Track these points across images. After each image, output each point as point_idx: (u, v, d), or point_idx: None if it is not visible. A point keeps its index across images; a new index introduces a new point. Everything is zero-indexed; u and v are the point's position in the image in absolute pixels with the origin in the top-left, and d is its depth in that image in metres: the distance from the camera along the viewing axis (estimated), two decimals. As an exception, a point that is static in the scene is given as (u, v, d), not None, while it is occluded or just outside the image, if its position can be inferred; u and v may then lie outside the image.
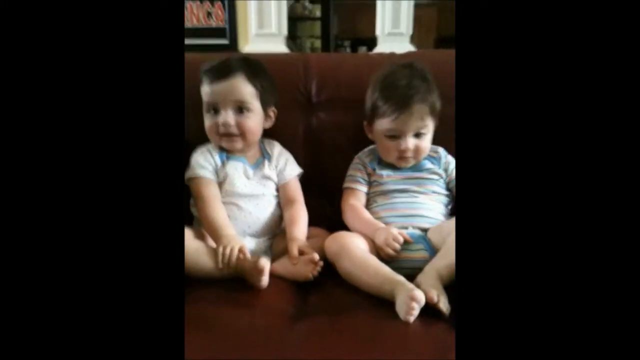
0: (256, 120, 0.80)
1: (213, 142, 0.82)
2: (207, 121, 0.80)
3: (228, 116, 0.77)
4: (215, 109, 0.78)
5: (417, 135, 0.77)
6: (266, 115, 0.83)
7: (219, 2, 2.09)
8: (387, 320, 0.55)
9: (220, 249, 0.65)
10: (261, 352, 0.49)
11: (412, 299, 0.53)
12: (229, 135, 0.78)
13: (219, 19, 2.11)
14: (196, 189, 0.77)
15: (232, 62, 0.79)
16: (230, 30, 2.10)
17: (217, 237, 0.70)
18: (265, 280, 0.63)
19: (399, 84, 0.76)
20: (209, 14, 2.11)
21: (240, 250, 0.66)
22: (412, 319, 0.54)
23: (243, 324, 0.55)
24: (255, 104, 0.79)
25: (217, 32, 2.10)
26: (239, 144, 0.80)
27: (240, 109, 0.78)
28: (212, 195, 0.77)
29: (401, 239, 0.69)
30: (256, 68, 0.80)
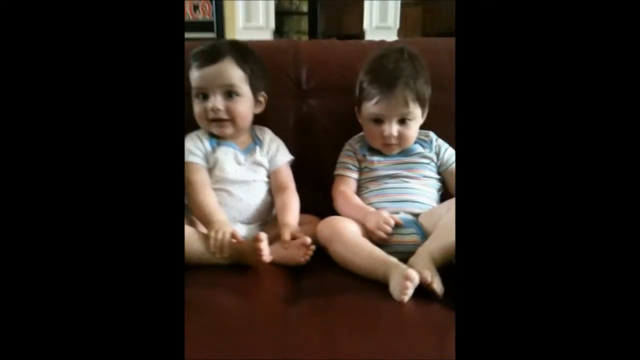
0: (246, 105, 0.79)
1: (203, 128, 0.80)
2: (196, 107, 0.78)
3: (217, 101, 0.76)
4: (204, 95, 0.77)
5: (402, 121, 0.77)
6: (256, 100, 0.82)
7: (206, -5, 2.07)
8: (382, 300, 0.54)
9: (212, 234, 0.64)
10: (261, 334, 0.48)
11: (406, 279, 0.53)
12: (218, 121, 0.77)
13: (205, 12, 2.09)
14: (186, 175, 0.76)
15: (220, 46, 0.78)
16: (217, 23, 2.07)
17: (207, 222, 0.69)
18: (267, 252, 0.62)
19: (386, 66, 0.76)
20: (195, 8, 2.08)
21: (233, 235, 0.65)
22: (406, 298, 0.54)
23: (239, 308, 0.54)
24: (244, 88, 0.78)
25: (204, 26, 2.08)
26: (229, 129, 0.79)
27: (230, 93, 0.77)
28: (202, 181, 0.76)
29: (392, 222, 0.69)
30: (245, 52, 0.79)
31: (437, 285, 0.57)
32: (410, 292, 0.54)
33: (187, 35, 2.11)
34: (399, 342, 0.47)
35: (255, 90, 0.80)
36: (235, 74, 0.76)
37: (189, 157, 0.77)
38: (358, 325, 0.49)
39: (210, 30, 2.08)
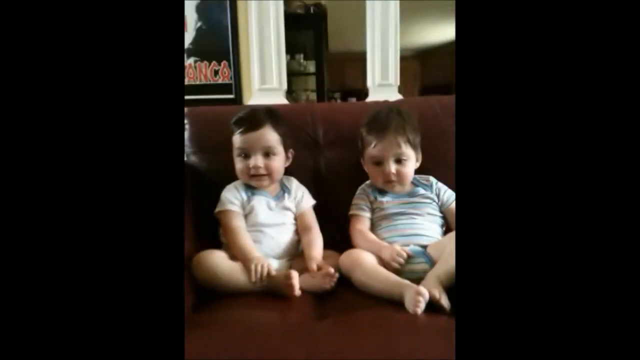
0: (280, 161, 0.95)
1: (243, 181, 0.95)
2: (239, 164, 0.93)
3: (258, 160, 0.91)
4: (246, 154, 0.92)
5: (398, 161, 0.92)
6: (287, 157, 0.98)
7: (225, 62, 2.32)
8: (398, 313, 0.66)
9: (253, 266, 0.77)
10: (293, 342, 0.59)
11: (418, 294, 0.65)
12: (258, 176, 0.92)
13: (224, 76, 2.33)
14: (225, 221, 0.90)
15: (259, 114, 0.94)
16: (235, 85, 2.31)
17: (247, 259, 0.81)
18: (297, 287, 0.73)
19: (380, 118, 0.94)
20: (215, 72, 2.32)
21: (268, 267, 0.78)
22: (419, 311, 0.65)
23: (275, 322, 0.65)
24: (279, 148, 0.94)
25: (223, 88, 2.31)
26: (266, 182, 0.94)
27: (268, 153, 0.92)
28: (239, 226, 0.89)
29: (405, 254, 0.81)
30: (279, 118, 0.96)
31: (445, 301, 0.68)
32: (422, 305, 0.65)
33: (209, 96, 2.34)
34: (412, 344, 0.57)
35: (286, 149, 0.97)
36: (273, 138, 0.93)
37: (228, 206, 0.91)
38: (378, 332, 0.60)
39: (230, 92, 2.31)
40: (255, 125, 0.92)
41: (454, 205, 0.95)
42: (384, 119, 0.93)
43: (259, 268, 0.77)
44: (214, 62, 2.30)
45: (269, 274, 0.77)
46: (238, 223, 0.90)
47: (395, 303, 0.69)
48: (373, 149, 0.92)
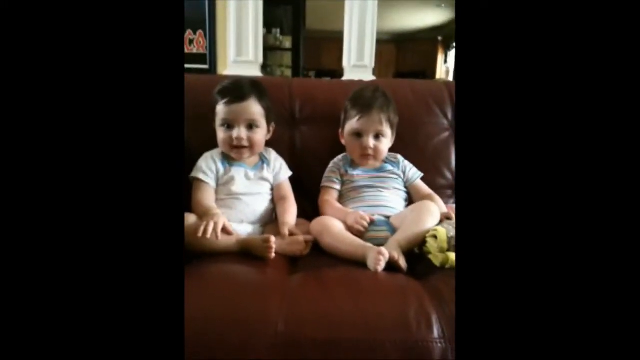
0: (262, 134, 0.99)
1: (225, 151, 0.98)
2: (221, 134, 0.96)
3: (241, 132, 0.94)
4: (229, 125, 0.95)
5: (377, 137, 0.99)
6: (268, 130, 1.01)
7: (201, 31, 2.28)
8: (361, 272, 0.74)
9: (204, 222, 0.78)
10: (269, 292, 0.65)
11: (379, 253, 0.73)
12: (240, 147, 0.96)
13: (199, 46, 2.30)
14: (194, 188, 0.93)
15: (245, 86, 0.96)
16: (210, 56, 2.29)
17: (205, 215, 0.84)
18: (273, 251, 0.78)
19: (365, 95, 1.00)
20: (190, 41, 2.29)
21: (224, 227, 0.81)
22: (380, 269, 0.73)
23: (250, 274, 0.72)
24: (262, 121, 0.98)
25: (198, 58, 2.28)
26: (246, 154, 0.98)
27: (251, 125, 0.96)
28: (207, 192, 0.93)
29: (368, 218, 0.89)
30: (263, 91, 0.99)
31: (402, 262, 0.76)
32: (382, 264, 0.73)
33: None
34: (374, 298, 0.65)
35: (268, 122, 1.00)
36: (257, 110, 0.96)
37: (200, 175, 0.94)
38: (344, 286, 0.68)
39: (204, 62, 2.29)
40: (240, 97, 0.94)
41: (417, 181, 1.04)
42: (370, 96, 0.99)
43: (211, 225, 0.78)
44: (189, 30, 2.26)
45: (246, 237, 0.82)
46: (206, 191, 0.93)
47: (360, 264, 0.77)
48: (356, 122, 0.98)
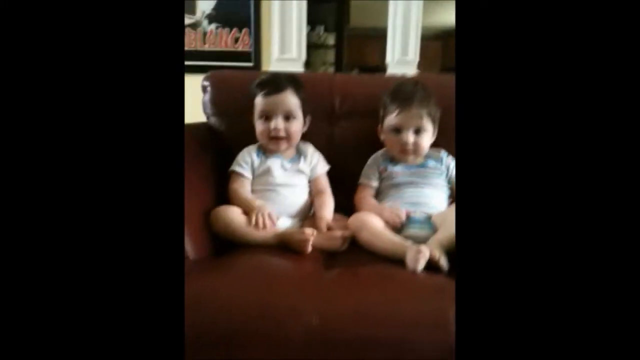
0: (299, 126, 0.99)
1: (262, 143, 1.00)
2: (260, 126, 0.98)
3: (278, 122, 0.96)
4: (267, 116, 0.97)
5: (417, 132, 0.95)
6: (304, 122, 1.02)
7: (246, 29, 2.33)
8: (399, 270, 0.71)
9: (254, 212, 0.84)
10: (304, 285, 0.65)
11: (418, 252, 0.70)
12: (277, 139, 0.97)
13: (244, 44, 2.35)
14: (231, 180, 0.97)
15: (282, 79, 0.98)
16: (255, 54, 2.33)
17: (249, 207, 0.87)
18: (309, 245, 0.78)
19: (404, 89, 0.97)
20: (236, 40, 2.34)
21: (269, 215, 0.84)
22: (419, 268, 0.70)
23: (287, 267, 0.72)
24: (299, 112, 0.98)
25: (243, 56, 2.33)
26: (283, 146, 0.98)
27: (288, 117, 0.97)
28: (242, 184, 0.96)
29: (404, 213, 0.87)
30: (299, 83, 1.00)
31: (443, 262, 0.73)
32: (422, 263, 0.70)
33: (229, 63, 2.36)
34: (411, 297, 0.63)
35: (304, 115, 1.01)
36: (294, 102, 0.97)
37: (236, 168, 0.97)
38: (381, 284, 0.66)
39: (249, 60, 2.34)
40: (277, 89, 0.96)
41: (461, 179, 0.99)
42: (410, 91, 0.96)
43: (259, 217, 0.83)
44: (234, 29, 2.31)
45: (284, 230, 0.83)
46: (243, 182, 0.96)
47: (399, 262, 0.74)
48: (395, 117, 0.95)
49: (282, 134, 0.96)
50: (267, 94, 0.96)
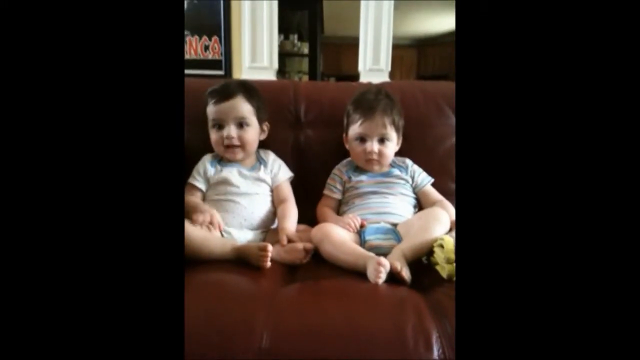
0: (254, 133, 0.96)
1: (218, 153, 0.97)
2: (213, 135, 0.95)
3: (231, 130, 0.93)
4: (219, 125, 0.94)
5: (381, 141, 0.94)
6: (261, 129, 0.99)
7: (216, 37, 2.30)
8: (360, 283, 0.68)
9: (199, 214, 0.82)
10: (260, 303, 0.61)
11: (379, 264, 0.68)
12: (232, 147, 0.94)
13: (215, 52, 2.31)
14: (186, 192, 0.94)
15: (232, 85, 0.96)
16: (226, 62, 2.29)
17: (194, 211, 0.85)
18: (269, 259, 0.74)
19: (367, 97, 0.95)
20: (206, 48, 2.30)
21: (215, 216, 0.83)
22: (380, 281, 0.68)
23: (245, 286, 0.68)
24: (252, 119, 0.95)
25: (213, 64, 2.29)
26: (239, 155, 0.95)
27: (241, 124, 0.94)
28: (193, 194, 0.93)
29: (359, 219, 0.86)
30: (252, 90, 0.97)
31: (406, 274, 0.71)
32: (383, 275, 0.68)
33: (199, 72, 2.32)
34: (372, 310, 0.60)
35: (260, 121, 0.98)
36: (246, 108, 0.94)
37: (190, 179, 0.95)
38: (341, 298, 0.63)
39: (219, 68, 2.30)
40: (227, 96, 0.93)
41: (427, 187, 0.98)
42: (373, 99, 0.94)
43: (206, 216, 0.82)
44: (204, 36, 2.27)
45: (242, 245, 0.80)
46: (192, 197, 0.93)
47: (361, 274, 0.72)
48: (359, 126, 0.94)
49: (235, 142, 0.93)
50: (217, 102, 0.94)
